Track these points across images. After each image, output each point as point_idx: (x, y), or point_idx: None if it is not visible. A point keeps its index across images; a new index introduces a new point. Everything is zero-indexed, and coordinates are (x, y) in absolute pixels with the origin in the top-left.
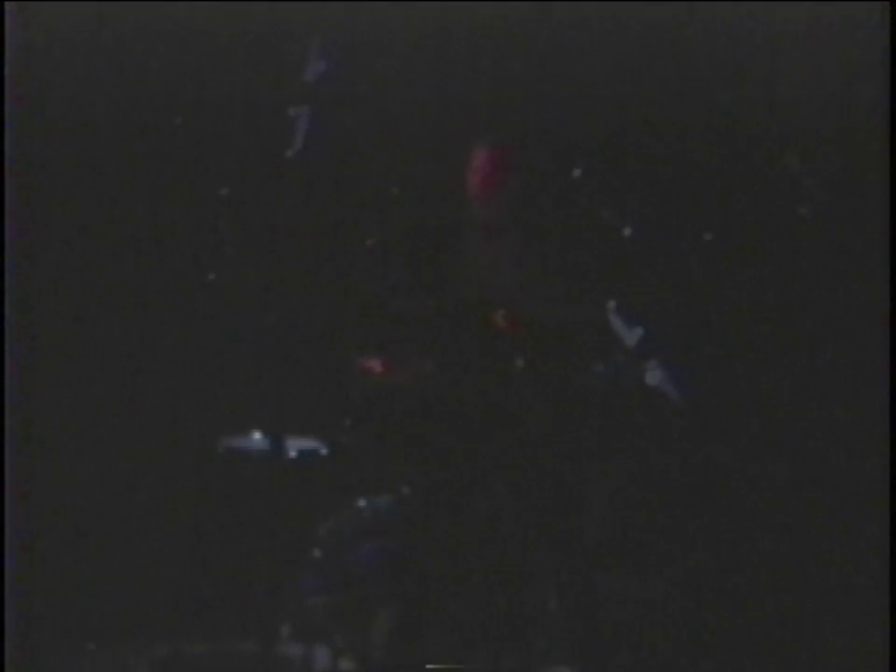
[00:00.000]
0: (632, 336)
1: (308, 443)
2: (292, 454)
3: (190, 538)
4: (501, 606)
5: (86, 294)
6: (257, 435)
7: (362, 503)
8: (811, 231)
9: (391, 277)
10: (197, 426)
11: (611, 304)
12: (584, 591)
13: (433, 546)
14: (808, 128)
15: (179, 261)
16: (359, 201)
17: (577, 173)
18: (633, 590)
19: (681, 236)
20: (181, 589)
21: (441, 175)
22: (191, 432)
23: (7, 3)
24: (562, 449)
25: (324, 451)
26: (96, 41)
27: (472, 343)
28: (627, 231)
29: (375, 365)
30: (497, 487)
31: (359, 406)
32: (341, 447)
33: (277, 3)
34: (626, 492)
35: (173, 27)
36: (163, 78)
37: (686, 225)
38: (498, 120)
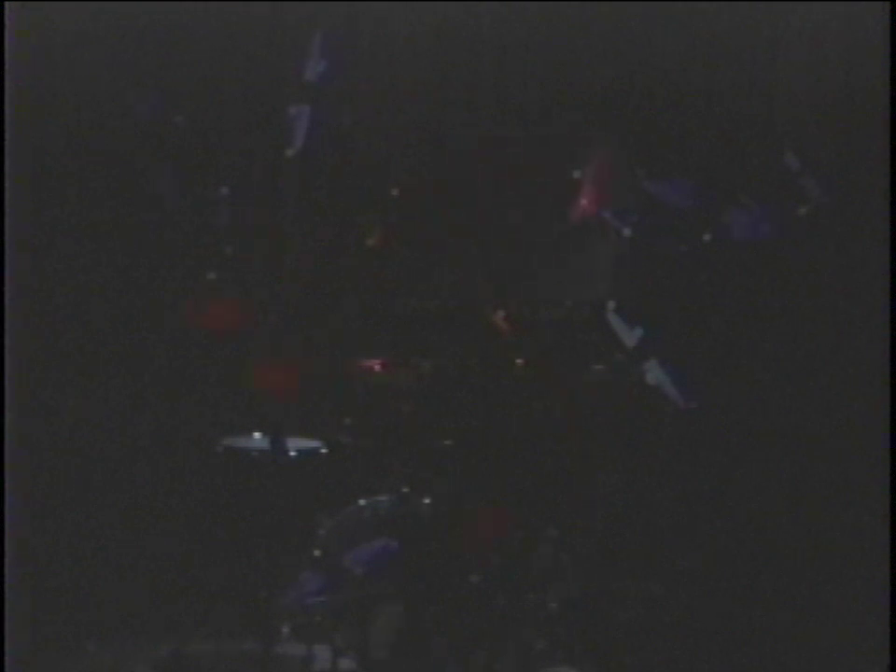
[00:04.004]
0: (632, 336)
1: (308, 443)
2: (292, 454)
3: (190, 537)
4: (501, 605)
5: (85, 295)
6: (257, 435)
7: (362, 503)
8: (811, 230)
9: (391, 277)
10: (197, 425)
11: (611, 304)
12: (586, 590)
13: (433, 546)
14: (809, 128)
15: (179, 260)
16: (359, 200)
17: (577, 174)
18: (634, 590)
19: (681, 237)
20: (181, 589)
21: (442, 175)
22: (191, 432)
23: (6, 3)
24: (562, 448)
25: (324, 450)
26: (96, 41)
27: (472, 344)
28: (627, 232)
29: (375, 365)
30: (498, 487)
31: (360, 405)
32: (341, 447)
33: (277, 3)
34: (626, 491)
35: (173, 27)
36: (163, 78)
37: (685, 225)
38: (499, 119)
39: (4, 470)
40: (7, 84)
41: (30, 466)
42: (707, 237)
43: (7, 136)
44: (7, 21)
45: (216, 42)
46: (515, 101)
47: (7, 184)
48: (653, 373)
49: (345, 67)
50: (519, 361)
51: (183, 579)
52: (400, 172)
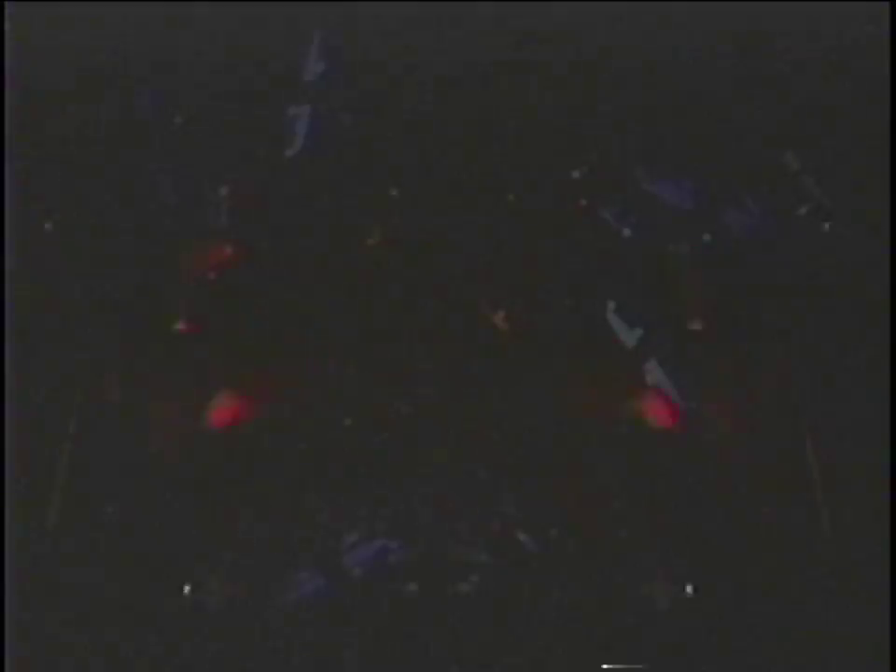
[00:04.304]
0: (632, 336)
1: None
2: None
3: (188, 535)
4: (501, 605)
5: (84, 298)
6: None
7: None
8: (811, 230)
9: (391, 277)
10: (197, 417)
11: (611, 304)
12: (588, 589)
13: (433, 546)
14: (809, 128)
15: (178, 260)
16: (359, 200)
17: (576, 174)
18: (637, 591)
19: (680, 238)
20: (179, 588)
21: (441, 175)
22: (191, 423)
23: (6, 3)
24: (563, 448)
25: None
26: (97, 42)
27: (472, 344)
28: (627, 232)
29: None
30: (499, 488)
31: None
32: (340, 455)
33: (277, 3)
34: (627, 490)
35: (173, 27)
36: (164, 78)
37: (685, 225)
38: (499, 119)
39: (4, 473)
40: (8, 83)
41: (29, 470)
42: (706, 237)
43: (6, 135)
44: (7, 21)
45: (216, 42)
46: (516, 101)
47: (7, 182)
48: (653, 373)
49: (345, 67)
50: (518, 361)
51: (181, 578)
52: (400, 172)
